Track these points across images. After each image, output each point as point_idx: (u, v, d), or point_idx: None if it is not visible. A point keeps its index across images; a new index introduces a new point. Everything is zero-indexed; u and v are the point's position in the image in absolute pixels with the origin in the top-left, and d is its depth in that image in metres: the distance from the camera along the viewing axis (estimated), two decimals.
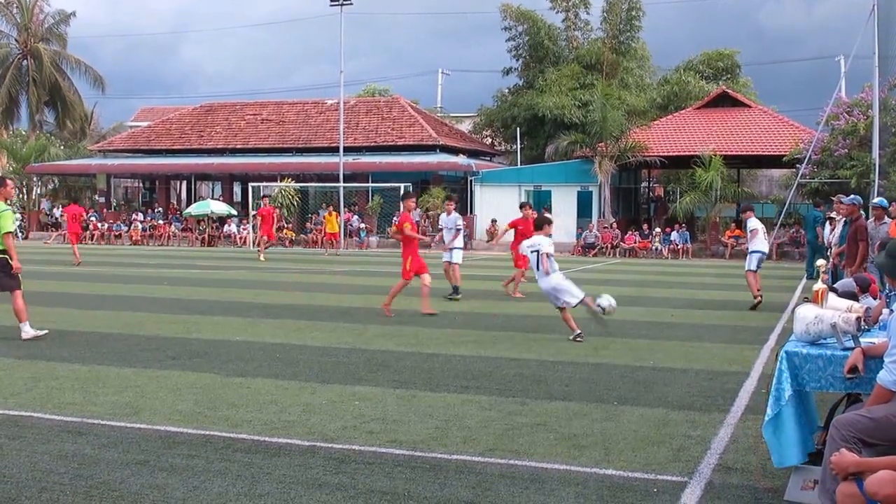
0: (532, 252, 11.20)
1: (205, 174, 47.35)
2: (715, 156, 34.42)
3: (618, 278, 21.86)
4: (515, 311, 14.38)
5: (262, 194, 35.12)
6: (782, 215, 32.85)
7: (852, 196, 14.41)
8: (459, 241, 17.20)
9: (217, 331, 11.60)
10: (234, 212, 42.15)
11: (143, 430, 6.45)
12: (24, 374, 8.52)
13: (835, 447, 4.21)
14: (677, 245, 34.68)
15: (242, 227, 40.43)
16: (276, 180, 40.50)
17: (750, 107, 40.74)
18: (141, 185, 52.03)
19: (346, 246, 37.02)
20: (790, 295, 17.37)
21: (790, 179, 36.47)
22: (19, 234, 40.28)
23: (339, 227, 35.62)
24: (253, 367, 8.97)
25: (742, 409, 7.33)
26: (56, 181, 50.07)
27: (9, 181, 11.40)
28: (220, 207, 41.67)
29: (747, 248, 15.86)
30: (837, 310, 5.33)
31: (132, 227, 41.93)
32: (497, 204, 38.33)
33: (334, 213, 34.48)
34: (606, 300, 10.96)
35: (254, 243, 36.26)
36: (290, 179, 40.30)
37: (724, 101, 40.74)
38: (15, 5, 52.68)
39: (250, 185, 39.54)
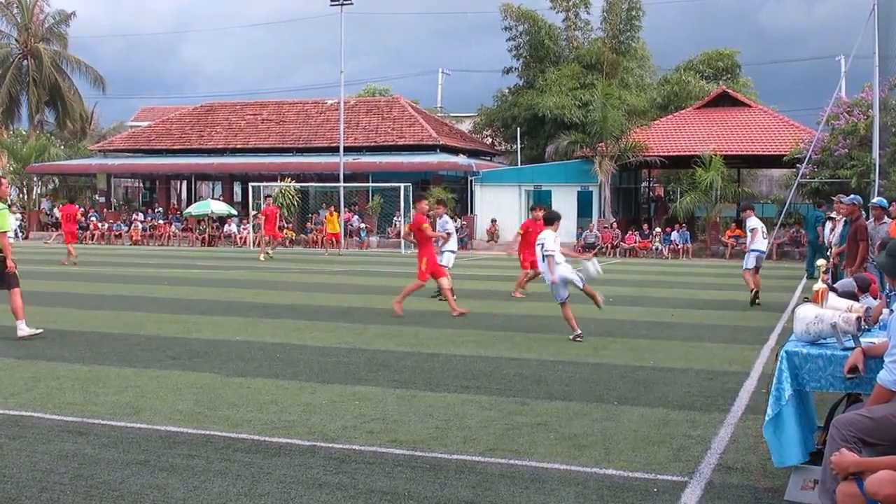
0: (538, 245, 11.34)
1: (205, 174, 47.34)
2: (715, 156, 34.42)
3: (618, 278, 21.86)
4: (515, 311, 14.38)
5: (265, 194, 35.13)
6: (782, 215, 32.85)
7: (852, 196, 14.42)
8: (452, 245, 17.04)
9: (217, 331, 11.60)
10: (235, 212, 42.14)
11: (144, 430, 6.45)
12: (24, 374, 8.53)
13: (835, 447, 4.21)
14: (677, 245, 34.69)
15: (242, 226, 40.43)
16: (276, 180, 40.48)
17: (750, 107, 40.73)
18: (141, 184, 52.03)
19: (346, 246, 37.01)
20: (790, 295, 17.37)
21: (790, 179, 36.46)
22: (19, 235, 40.27)
23: (340, 228, 35.61)
24: (253, 367, 8.98)
25: (742, 408, 7.33)
26: (56, 181, 50.07)
27: (3, 180, 11.40)
28: (221, 207, 41.67)
29: (747, 248, 15.97)
30: (837, 310, 5.32)
31: (132, 227, 41.93)
32: (497, 204, 38.34)
33: (335, 213, 34.46)
34: (593, 266, 11.23)
35: (254, 243, 36.32)
36: (290, 179, 40.29)
37: (724, 100, 40.74)
38: (15, 5, 52.69)
39: (250, 185, 39.53)
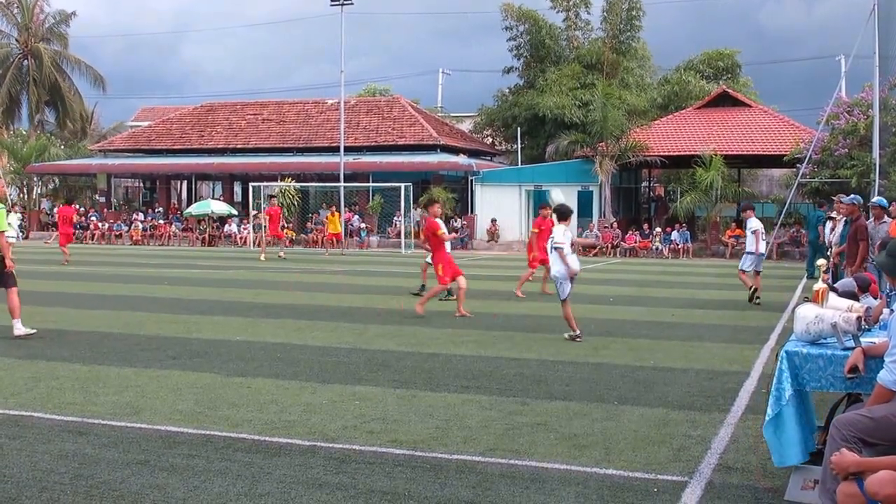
0: (549, 237, 11.47)
1: (205, 174, 47.35)
2: (715, 155, 34.42)
3: (618, 278, 21.86)
4: (515, 311, 14.38)
5: (270, 194, 35.17)
6: (782, 215, 32.85)
7: (852, 196, 14.42)
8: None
9: (217, 331, 11.60)
10: (235, 212, 42.16)
11: (144, 430, 6.45)
12: (24, 374, 8.53)
13: (835, 447, 4.21)
14: (678, 245, 34.69)
15: (243, 226, 40.44)
16: (276, 180, 40.49)
17: (750, 106, 40.73)
18: (141, 184, 52.04)
19: (346, 246, 37.02)
20: (790, 294, 17.38)
21: (790, 179, 36.44)
22: (19, 235, 40.23)
23: (342, 228, 35.61)
24: (253, 367, 8.98)
25: (742, 408, 7.33)
26: (56, 181, 50.08)
27: (0, 180, 11.43)
28: (221, 207, 41.68)
29: (753, 249, 16.10)
30: (838, 309, 5.32)
31: (133, 227, 41.94)
32: (498, 204, 38.33)
33: (337, 213, 34.45)
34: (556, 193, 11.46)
35: (254, 243, 36.33)
36: (290, 179, 40.30)
37: (724, 100, 40.74)
38: (15, 5, 52.72)
39: (251, 184, 39.54)
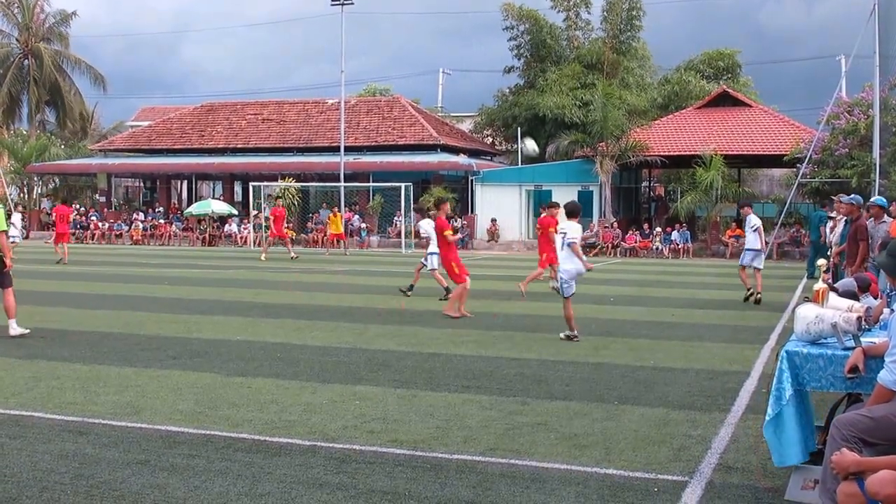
0: (559, 235, 11.28)
1: (205, 174, 47.36)
2: (716, 155, 34.41)
3: (618, 278, 21.86)
4: (515, 311, 14.38)
5: (273, 195, 35.14)
6: (783, 215, 32.85)
7: (853, 195, 14.41)
8: (434, 246, 16.82)
9: (218, 330, 11.61)
10: (235, 211, 42.15)
11: (144, 430, 6.45)
12: (25, 374, 8.53)
13: (835, 447, 4.21)
14: (678, 245, 34.68)
15: (243, 226, 40.44)
16: (276, 180, 40.50)
17: (750, 106, 40.71)
18: (142, 184, 52.05)
19: (347, 246, 37.00)
20: (791, 294, 17.38)
21: (791, 179, 36.44)
22: (19, 236, 40.20)
23: (343, 228, 35.59)
24: (254, 367, 8.98)
25: (743, 408, 7.33)
26: (57, 181, 50.09)
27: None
28: (221, 207, 41.67)
29: (762, 246, 16.28)
30: (838, 309, 5.32)
31: (133, 227, 41.93)
32: (498, 204, 38.33)
33: (339, 214, 34.41)
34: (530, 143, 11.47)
35: (254, 243, 36.34)
36: (290, 179, 40.31)
37: (724, 100, 40.72)
38: (16, 5, 52.73)
39: (251, 184, 39.55)
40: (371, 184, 40.79)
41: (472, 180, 39.09)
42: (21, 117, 55.19)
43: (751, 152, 37.35)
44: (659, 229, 36.03)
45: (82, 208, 45.02)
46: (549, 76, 41.37)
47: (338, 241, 34.28)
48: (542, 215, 17.95)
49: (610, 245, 34.93)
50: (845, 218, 14.82)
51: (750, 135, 37.75)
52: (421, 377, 8.51)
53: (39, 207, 47.73)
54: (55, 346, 10.18)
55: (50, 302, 14.55)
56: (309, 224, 40.52)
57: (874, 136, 28.44)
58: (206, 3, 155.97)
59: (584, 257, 11.23)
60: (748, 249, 16.39)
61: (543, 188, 37.77)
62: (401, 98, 47.15)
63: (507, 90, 45.27)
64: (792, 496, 5.05)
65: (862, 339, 5.02)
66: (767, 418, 5.07)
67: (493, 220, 37.97)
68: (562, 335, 10.99)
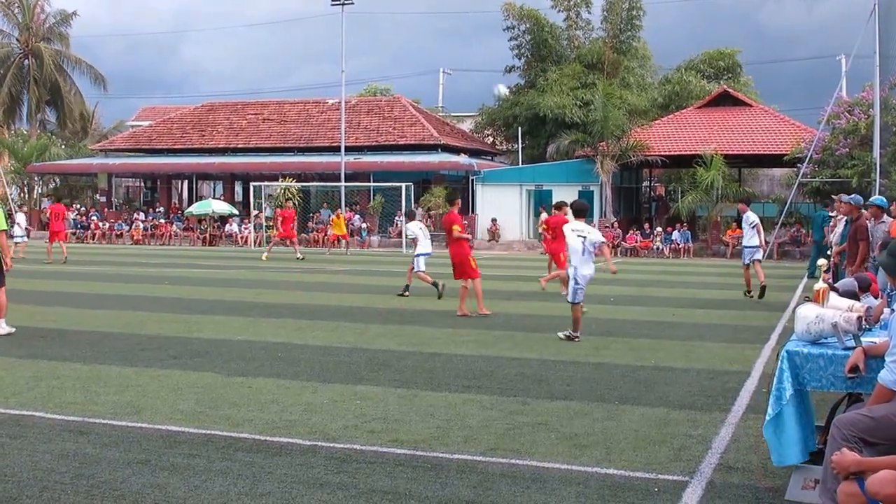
0: (579, 237, 10.90)
1: (206, 174, 47.38)
2: (716, 155, 34.41)
3: (619, 278, 21.78)
4: (516, 311, 14.38)
5: (284, 196, 35.14)
6: (783, 214, 32.83)
7: (853, 195, 14.40)
8: (422, 248, 16.70)
9: (218, 330, 11.61)
10: (236, 211, 42.16)
11: (145, 430, 6.45)
12: (25, 374, 8.53)
13: (836, 446, 4.20)
14: (678, 244, 34.67)
15: (244, 226, 40.44)
16: (277, 180, 40.52)
17: (751, 106, 40.70)
18: (142, 184, 52.05)
19: (349, 246, 37.00)
20: (791, 294, 17.37)
21: (791, 179, 36.44)
22: (25, 235, 40.18)
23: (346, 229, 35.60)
24: (254, 367, 8.98)
25: (743, 408, 7.33)
26: (57, 180, 50.11)
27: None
28: (222, 207, 41.68)
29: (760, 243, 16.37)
30: (838, 309, 5.32)
31: (133, 227, 41.94)
32: (498, 203, 38.33)
33: (341, 215, 34.39)
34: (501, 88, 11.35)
35: (255, 243, 36.33)
36: (291, 179, 40.31)
37: (725, 100, 40.71)
38: (16, 5, 52.73)
39: (252, 184, 39.55)
40: (372, 184, 40.80)
41: (472, 180, 39.09)
42: (21, 117, 55.24)
43: (751, 152, 37.34)
44: (659, 229, 36.02)
45: (83, 208, 45.04)
46: (550, 76, 41.37)
47: (339, 241, 34.27)
48: (544, 216, 17.92)
49: (610, 245, 34.85)
50: (845, 218, 14.82)
51: (750, 134, 37.74)
52: (421, 377, 8.51)
53: (40, 207, 47.73)
54: (55, 346, 10.19)
55: (50, 302, 14.56)
56: (310, 224, 40.51)
57: (874, 136, 28.43)
58: (207, 3, 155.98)
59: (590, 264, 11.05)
60: (746, 246, 16.45)
61: (544, 188, 37.77)
62: (401, 98, 47.15)
63: (508, 90, 45.28)
64: (792, 496, 5.05)
65: (862, 339, 5.02)
66: (768, 418, 5.07)
67: (494, 220, 37.98)
68: (561, 335, 10.98)
